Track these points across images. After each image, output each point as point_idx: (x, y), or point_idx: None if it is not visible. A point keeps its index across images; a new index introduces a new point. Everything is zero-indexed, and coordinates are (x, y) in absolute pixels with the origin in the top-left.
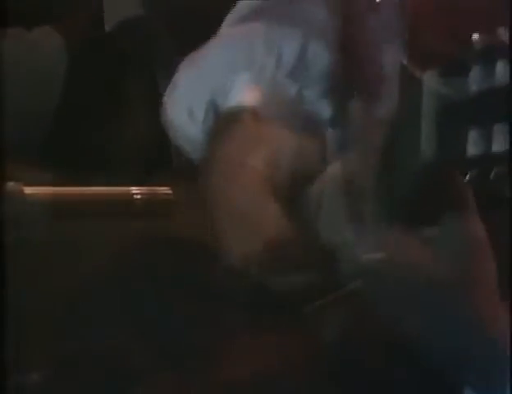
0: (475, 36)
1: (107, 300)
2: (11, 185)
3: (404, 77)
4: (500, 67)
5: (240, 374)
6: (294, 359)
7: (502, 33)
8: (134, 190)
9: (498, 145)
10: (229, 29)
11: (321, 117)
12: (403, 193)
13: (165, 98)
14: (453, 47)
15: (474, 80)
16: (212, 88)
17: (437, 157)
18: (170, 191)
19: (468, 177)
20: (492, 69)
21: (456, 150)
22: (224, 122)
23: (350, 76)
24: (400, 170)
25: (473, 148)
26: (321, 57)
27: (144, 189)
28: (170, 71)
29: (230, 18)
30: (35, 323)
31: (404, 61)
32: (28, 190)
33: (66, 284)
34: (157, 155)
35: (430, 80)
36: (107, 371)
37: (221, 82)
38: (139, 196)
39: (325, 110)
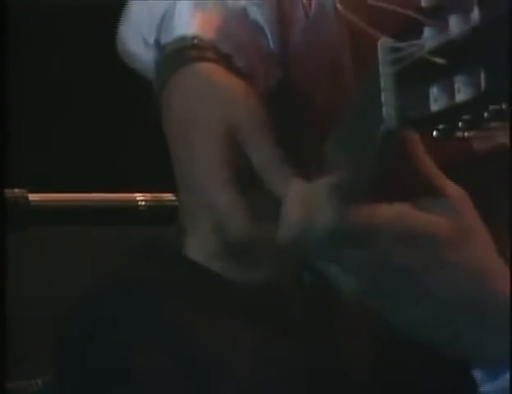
0: None
1: (109, 304)
2: (15, 191)
3: (358, 47)
4: (453, 21)
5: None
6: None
7: None
8: (139, 196)
9: (461, 96)
10: None
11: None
12: (372, 163)
13: (119, 28)
14: (403, 8)
15: (429, 38)
16: (159, 14)
17: (401, 119)
18: (174, 198)
19: (435, 135)
20: (444, 24)
21: (419, 110)
22: (169, 63)
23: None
24: (365, 140)
25: (435, 104)
26: None
27: (148, 195)
28: None
29: None
30: (35, 327)
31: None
32: (32, 196)
33: (69, 288)
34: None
35: (385, 43)
36: (108, 372)
37: (168, 9)
38: (143, 202)
39: None
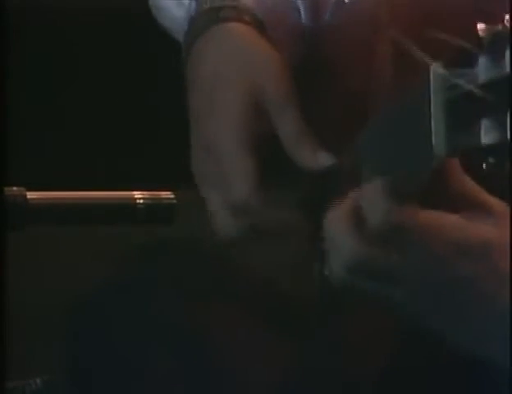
0: (481, 25)
1: (108, 303)
2: (13, 189)
3: (410, 70)
4: (508, 55)
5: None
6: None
7: (508, 21)
8: (137, 194)
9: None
10: None
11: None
12: (416, 187)
13: None
14: (459, 37)
15: (482, 69)
16: None
17: (450, 148)
18: (172, 196)
19: (485, 167)
20: (501, 57)
21: (469, 140)
22: (205, 19)
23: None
24: (412, 164)
25: (486, 137)
26: None
27: (146, 193)
28: None
29: None
30: (35, 327)
31: (412, 53)
32: (30, 194)
33: (67, 287)
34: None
35: (438, 70)
36: (108, 373)
37: None
38: (141, 201)
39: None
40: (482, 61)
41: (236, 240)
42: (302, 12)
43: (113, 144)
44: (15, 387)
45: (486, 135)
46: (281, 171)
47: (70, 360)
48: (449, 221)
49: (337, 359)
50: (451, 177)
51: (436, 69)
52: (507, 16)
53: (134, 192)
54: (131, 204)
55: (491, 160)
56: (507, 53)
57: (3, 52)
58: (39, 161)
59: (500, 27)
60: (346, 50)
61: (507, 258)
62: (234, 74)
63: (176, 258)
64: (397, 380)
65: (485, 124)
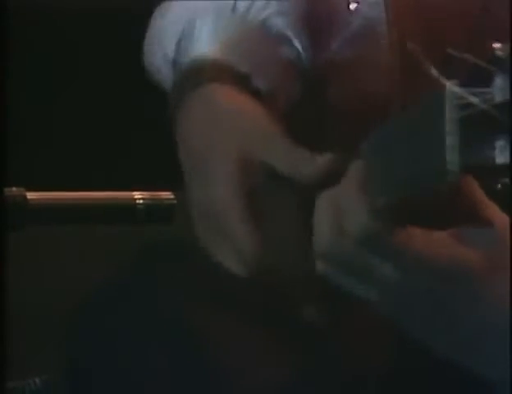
0: (497, 44)
1: (108, 304)
2: (13, 190)
3: (426, 86)
4: None
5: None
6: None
7: None
8: (137, 194)
9: None
10: None
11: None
12: (427, 202)
13: (146, 40)
14: (475, 55)
15: (498, 89)
16: (179, 31)
17: (464, 166)
18: (172, 196)
19: (499, 186)
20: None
21: (483, 160)
22: (184, 85)
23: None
24: (425, 180)
25: (501, 157)
26: None
27: (146, 194)
28: None
29: None
30: (35, 327)
31: (427, 71)
32: (30, 194)
33: (67, 288)
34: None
35: (453, 89)
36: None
37: (188, 26)
38: (141, 201)
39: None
40: (498, 80)
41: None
42: (298, 48)
43: (113, 144)
44: (14, 386)
45: (501, 155)
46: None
47: (69, 360)
48: (431, 241)
49: (337, 360)
50: (464, 192)
51: (451, 87)
52: None
53: (134, 192)
54: (131, 205)
55: (504, 180)
56: None
57: (3, 52)
58: (39, 161)
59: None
60: (353, 81)
61: (493, 280)
62: (217, 141)
63: (176, 258)
64: (397, 381)
65: (499, 143)
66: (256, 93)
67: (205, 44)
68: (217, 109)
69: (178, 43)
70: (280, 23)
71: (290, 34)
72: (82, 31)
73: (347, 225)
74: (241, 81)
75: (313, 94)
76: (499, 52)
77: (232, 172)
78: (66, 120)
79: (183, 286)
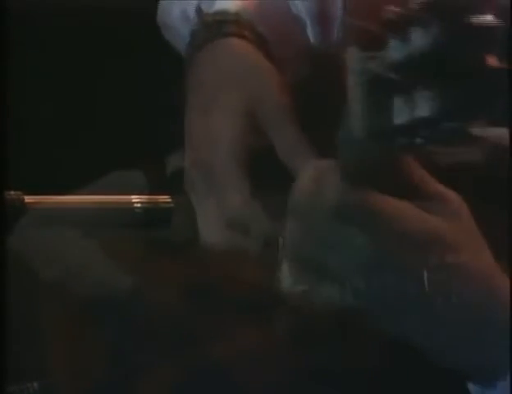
0: (389, 8)
1: (107, 306)
2: (11, 193)
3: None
4: (415, 35)
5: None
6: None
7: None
8: (135, 198)
9: (422, 111)
10: None
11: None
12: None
13: (160, 1)
14: (369, 20)
15: (393, 51)
16: None
17: (369, 132)
18: (170, 200)
19: (398, 148)
20: (408, 38)
21: (385, 123)
22: (207, 32)
23: None
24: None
25: (398, 118)
26: None
27: (144, 197)
28: None
29: None
30: (34, 331)
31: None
32: (28, 198)
33: (68, 289)
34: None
35: (351, 56)
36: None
37: None
38: (139, 205)
39: None
40: (391, 43)
41: (229, 251)
42: (309, 32)
43: (114, 148)
44: (13, 391)
45: (398, 117)
46: (275, 182)
47: (68, 364)
48: (398, 205)
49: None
50: (401, 167)
51: (350, 52)
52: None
53: (132, 196)
54: (129, 208)
55: (403, 141)
56: (414, 35)
57: (3, 52)
58: (38, 165)
59: (404, 9)
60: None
61: (456, 252)
62: (230, 88)
63: (174, 261)
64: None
65: (396, 105)
66: (271, 55)
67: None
68: (230, 59)
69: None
70: (299, 6)
71: (306, 18)
72: (83, 31)
73: (324, 190)
74: (258, 41)
75: (319, 77)
76: (391, 16)
77: (233, 127)
78: (67, 122)
79: (182, 289)
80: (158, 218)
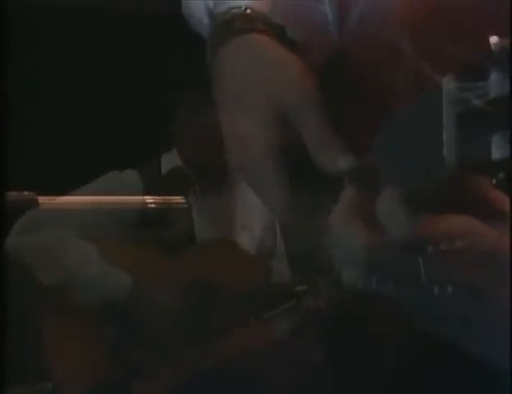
0: (492, 39)
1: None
2: (24, 194)
3: (422, 83)
4: None
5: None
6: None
7: None
8: (149, 199)
9: None
10: None
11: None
12: (427, 200)
13: None
14: (471, 51)
15: (493, 84)
16: None
17: (461, 162)
18: (183, 201)
19: (494, 182)
20: (510, 72)
21: (480, 155)
22: (219, 34)
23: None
24: (423, 178)
25: (497, 152)
26: None
27: (157, 198)
28: None
29: None
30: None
31: (422, 68)
32: (41, 199)
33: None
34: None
35: (449, 85)
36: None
37: None
38: (153, 205)
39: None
40: (493, 75)
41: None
42: (328, 11)
43: (114, 147)
44: (27, 390)
45: (497, 151)
46: (306, 178)
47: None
48: (465, 224)
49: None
50: (470, 188)
51: (447, 82)
52: None
53: (146, 197)
54: (143, 209)
55: (500, 175)
56: None
57: (3, 52)
58: (52, 167)
59: (509, 40)
60: (371, 55)
61: None
62: (252, 90)
63: (184, 260)
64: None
65: (495, 139)
66: (291, 44)
67: None
68: (251, 57)
69: None
70: None
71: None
72: (83, 31)
73: (386, 223)
74: (276, 31)
75: (341, 57)
76: (495, 47)
77: (264, 123)
78: (68, 123)
79: (191, 288)
80: (163, 219)
